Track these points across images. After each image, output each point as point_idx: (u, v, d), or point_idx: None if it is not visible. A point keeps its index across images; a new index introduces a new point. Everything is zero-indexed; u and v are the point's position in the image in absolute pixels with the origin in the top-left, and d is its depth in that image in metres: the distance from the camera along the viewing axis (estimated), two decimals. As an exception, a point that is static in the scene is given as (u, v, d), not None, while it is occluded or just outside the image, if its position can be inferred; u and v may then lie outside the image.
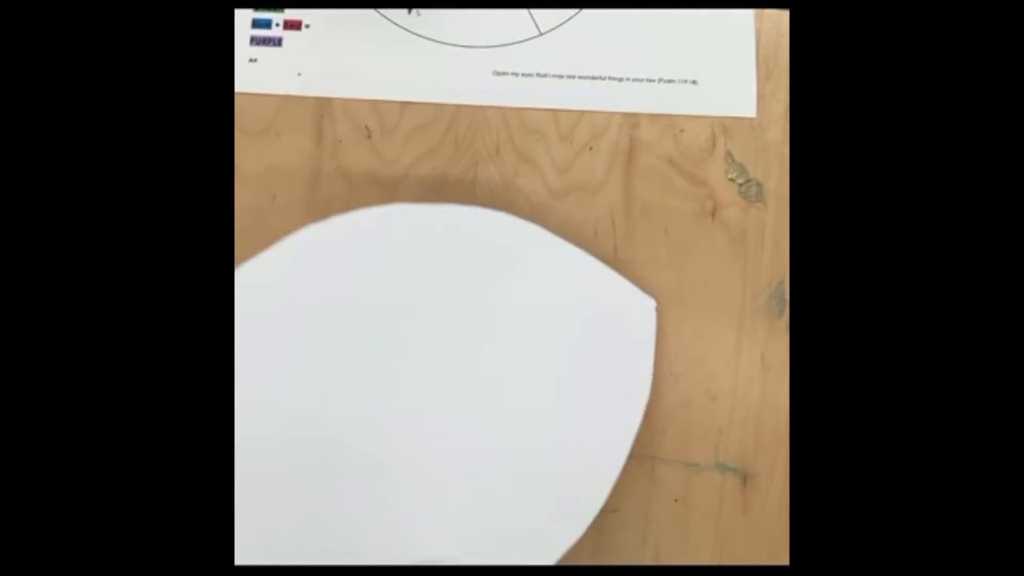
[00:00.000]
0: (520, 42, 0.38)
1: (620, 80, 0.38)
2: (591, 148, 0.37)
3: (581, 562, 0.34)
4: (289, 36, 0.38)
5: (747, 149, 0.38)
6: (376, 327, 0.33)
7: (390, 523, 0.32)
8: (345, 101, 0.37)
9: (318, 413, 0.32)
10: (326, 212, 0.36)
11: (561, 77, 0.38)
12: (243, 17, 0.38)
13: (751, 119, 0.38)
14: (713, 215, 0.37)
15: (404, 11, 0.39)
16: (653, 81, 0.38)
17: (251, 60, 0.38)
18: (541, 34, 0.38)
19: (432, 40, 0.38)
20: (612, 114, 0.38)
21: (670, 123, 0.38)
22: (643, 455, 0.34)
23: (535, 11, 0.39)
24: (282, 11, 0.38)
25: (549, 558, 0.31)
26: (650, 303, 0.34)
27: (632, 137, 0.37)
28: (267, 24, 0.38)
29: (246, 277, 0.33)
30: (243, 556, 0.30)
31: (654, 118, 0.38)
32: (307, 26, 0.38)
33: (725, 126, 0.38)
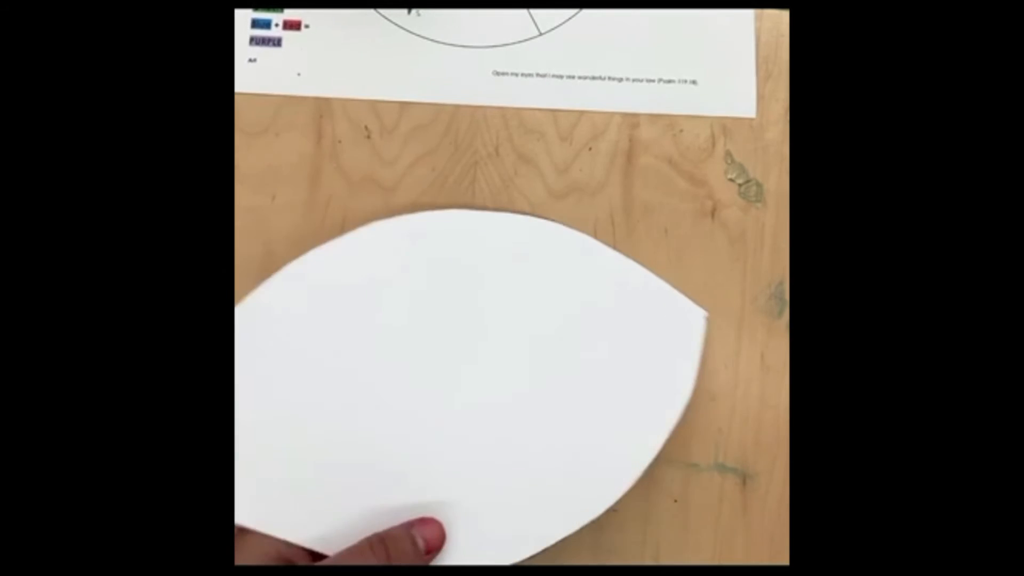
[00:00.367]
0: (520, 42, 0.38)
1: (620, 80, 0.38)
2: (591, 148, 0.37)
3: (581, 562, 0.34)
4: (289, 36, 0.38)
5: (747, 149, 0.38)
6: (438, 330, 0.34)
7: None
8: (345, 101, 0.37)
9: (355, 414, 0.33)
10: (325, 212, 0.36)
11: (561, 77, 0.38)
12: (243, 17, 0.38)
13: (751, 119, 0.38)
14: (713, 215, 0.37)
15: (404, 11, 0.38)
16: (653, 81, 0.38)
17: (251, 60, 0.38)
18: (541, 34, 0.38)
19: (432, 40, 0.38)
20: (612, 114, 0.38)
21: (670, 123, 0.38)
22: (643, 455, 0.34)
23: (535, 11, 0.39)
24: (282, 11, 0.38)
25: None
26: (700, 313, 0.34)
27: (632, 137, 0.37)
28: (267, 24, 0.38)
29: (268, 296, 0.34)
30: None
31: (654, 118, 0.38)
32: (307, 26, 0.38)
33: (725, 126, 0.38)
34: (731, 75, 0.38)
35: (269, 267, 0.35)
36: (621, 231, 0.37)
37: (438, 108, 0.37)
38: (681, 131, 0.38)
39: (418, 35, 0.38)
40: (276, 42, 0.38)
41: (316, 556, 0.31)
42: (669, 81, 0.38)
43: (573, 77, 0.38)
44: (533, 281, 0.34)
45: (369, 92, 0.38)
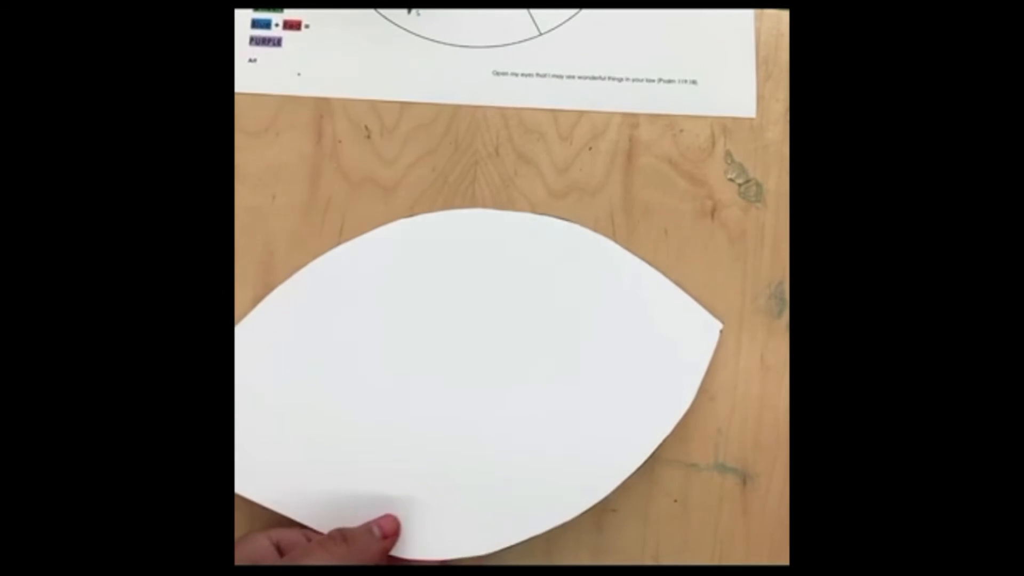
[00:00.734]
0: (520, 42, 0.38)
1: (620, 80, 0.38)
2: (591, 148, 0.37)
3: (581, 562, 0.34)
4: (289, 36, 0.38)
5: (747, 149, 0.38)
6: (446, 322, 0.34)
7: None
8: (345, 101, 0.37)
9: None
10: (326, 212, 0.36)
11: (561, 77, 0.38)
12: (243, 17, 0.38)
13: (751, 119, 0.38)
14: (713, 215, 0.37)
15: (404, 11, 0.38)
16: (653, 81, 0.38)
17: (251, 60, 0.38)
18: (541, 34, 0.38)
19: (432, 40, 0.38)
20: (612, 114, 0.38)
21: (670, 123, 0.38)
22: (643, 455, 0.34)
23: (535, 11, 0.39)
24: (282, 11, 0.38)
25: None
26: (716, 325, 0.35)
27: (632, 137, 0.37)
28: (267, 24, 0.38)
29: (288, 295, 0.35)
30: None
31: (654, 118, 0.38)
32: (307, 26, 0.38)
33: (725, 126, 0.38)
34: (731, 75, 0.38)
35: (269, 267, 0.35)
36: (621, 231, 0.36)
37: (438, 108, 0.37)
38: (681, 131, 0.38)
39: (418, 35, 0.38)
40: (276, 42, 0.38)
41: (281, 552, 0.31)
42: (669, 81, 0.38)
43: (573, 77, 0.38)
44: (548, 280, 0.35)
45: (369, 92, 0.38)
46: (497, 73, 0.38)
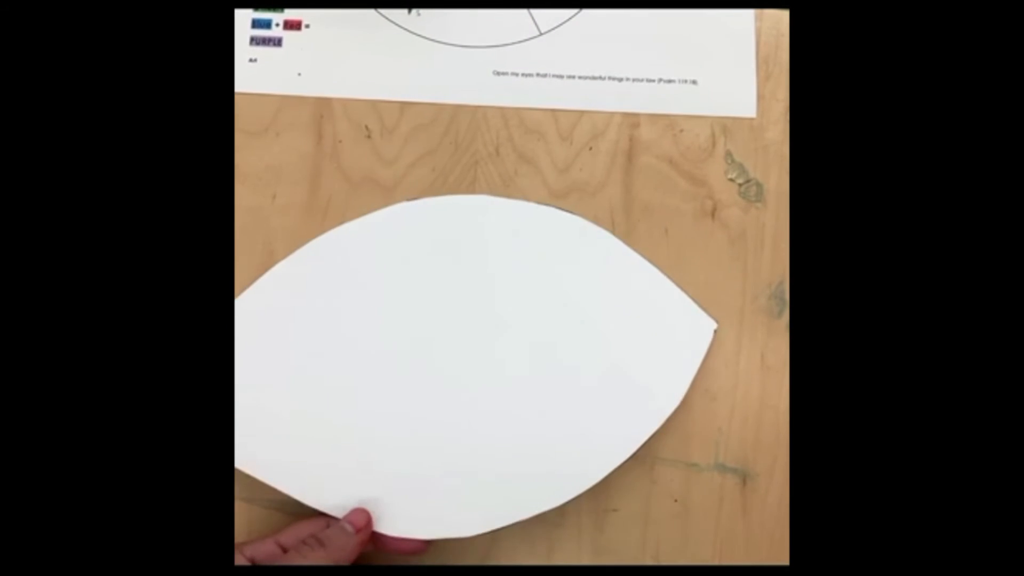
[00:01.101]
0: (520, 42, 0.38)
1: (620, 80, 0.38)
2: (591, 148, 0.37)
3: (581, 562, 0.34)
4: (289, 36, 0.38)
5: (747, 149, 0.38)
6: (444, 308, 0.35)
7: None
8: (345, 101, 0.37)
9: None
10: (326, 212, 0.36)
11: (561, 77, 0.38)
12: (243, 17, 0.38)
13: (751, 119, 0.38)
14: (713, 215, 0.37)
15: (404, 11, 0.38)
16: (653, 81, 0.38)
17: (251, 60, 0.38)
18: (541, 34, 0.38)
19: (432, 40, 0.38)
20: (612, 114, 0.38)
21: (670, 123, 0.38)
22: (643, 455, 0.34)
23: (535, 11, 0.39)
24: (282, 11, 0.38)
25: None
26: (710, 324, 0.35)
27: (632, 137, 0.37)
28: (267, 24, 0.38)
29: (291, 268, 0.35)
30: None
31: (654, 118, 0.38)
32: (307, 26, 0.38)
33: (725, 126, 0.38)
34: (731, 75, 0.38)
35: (269, 267, 0.35)
36: (621, 231, 0.36)
37: (438, 108, 0.38)
38: (681, 131, 0.38)
39: (418, 35, 0.38)
40: (276, 42, 0.38)
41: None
42: (669, 81, 0.38)
43: (573, 77, 0.38)
44: (547, 267, 0.35)
45: (369, 92, 0.38)
46: (497, 73, 0.38)
